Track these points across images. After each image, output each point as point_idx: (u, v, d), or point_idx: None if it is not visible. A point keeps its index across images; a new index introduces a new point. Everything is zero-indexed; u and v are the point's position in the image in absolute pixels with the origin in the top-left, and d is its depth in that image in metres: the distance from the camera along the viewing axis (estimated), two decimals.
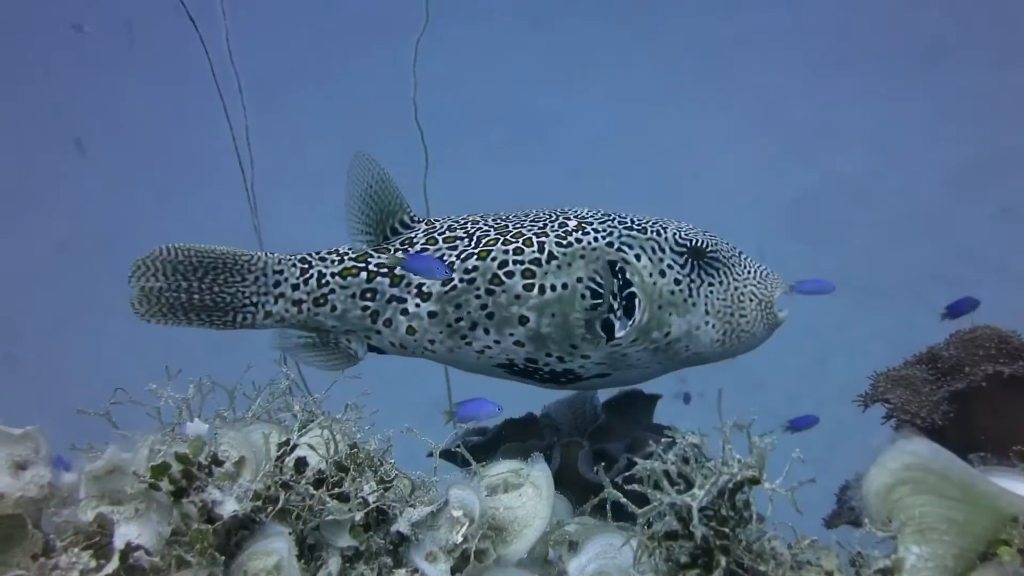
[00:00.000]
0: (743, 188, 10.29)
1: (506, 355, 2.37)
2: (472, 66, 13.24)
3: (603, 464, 1.81)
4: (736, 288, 2.41)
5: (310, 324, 2.47)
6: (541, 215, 2.47)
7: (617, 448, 2.47)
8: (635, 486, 1.47)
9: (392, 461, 1.76)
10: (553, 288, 2.30)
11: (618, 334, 2.30)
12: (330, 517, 1.59)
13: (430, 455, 1.95)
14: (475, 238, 2.40)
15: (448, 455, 2.11)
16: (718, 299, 2.38)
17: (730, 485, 1.36)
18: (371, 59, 13.54)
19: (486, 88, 12.98)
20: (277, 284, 2.45)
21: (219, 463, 1.56)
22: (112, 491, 1.55)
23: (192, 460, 1.52)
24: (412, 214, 2.55)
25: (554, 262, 2.32)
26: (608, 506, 1.60)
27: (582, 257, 2.32)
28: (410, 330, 2.39)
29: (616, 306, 2.31)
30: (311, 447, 1.71)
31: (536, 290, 2.30)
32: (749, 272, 2.44)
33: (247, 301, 2.44)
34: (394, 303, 2.39)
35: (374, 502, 1.62)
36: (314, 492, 1.60)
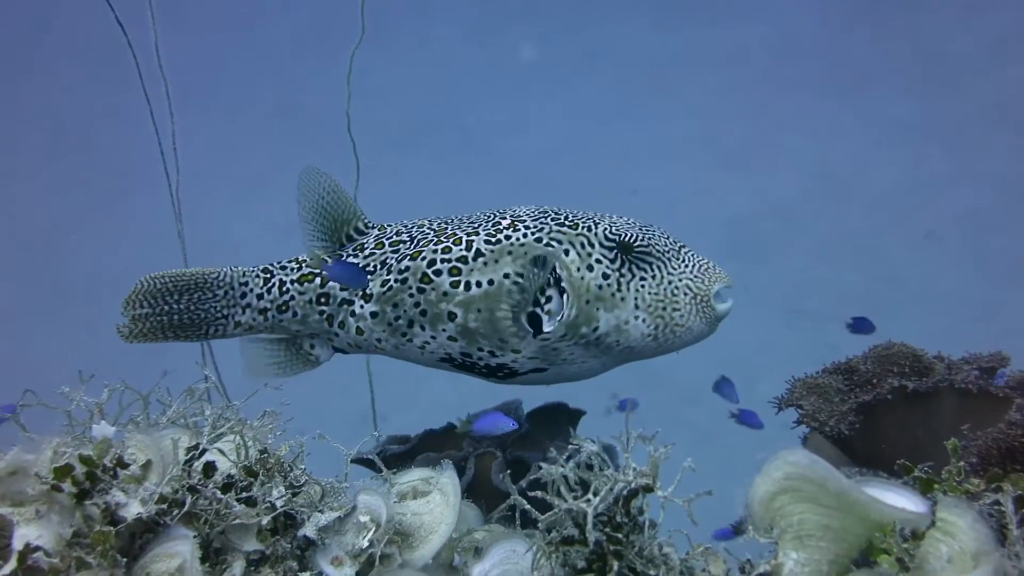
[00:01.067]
0: (681, 205, 10.45)
1: (444, 350, 2.45)
2: (413, 77, 13.25)
3: (509, 472, 1.85)
4: (670, 282, 2.42)
5: (276, 330, 2.61)
6: (481, 216, 2.55)
7: (533, 457, 2.51)
8: (539, 492, 1.51)
9: (303, 467, 1.77)
10: (479, 284, 2.37)
11: (545, 329, 2.35)
12: (237, 521, 1.60)
13: (356, 461, 1.97)
14: (415, 240, 2.49)
15: (368, 463, 2.13)
16: (649, 294, 2.39)
17: (625, 492, 1.41)
18: (308, 68, 13.50)
19: (426, 99, 13.00)
20: (244, 296, 2.59)
21: (124, 465, 1.56)
22: (13, 492, 1.54)
23: (96, 462, 1.52)
24: (366, 221, 2.63)
25: (481, 259, 2.38)
26: (517, 513, 1.64)
27: (510, 253, 2.37)
28: (359, 331, 2.50)
29: (543, 301, 2.36)
30: (222, 452, 1.72)
31: (462, 287, 2.37)
32: (687, 266, 2.46)
33: (219, 315, 2.59)
34: (345, 306, 2.51)
35: (282, 507, 1.63)
36: (221, 496, 1.61)
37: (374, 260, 2.50)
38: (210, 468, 1.64)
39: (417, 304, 2.42)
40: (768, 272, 9.27)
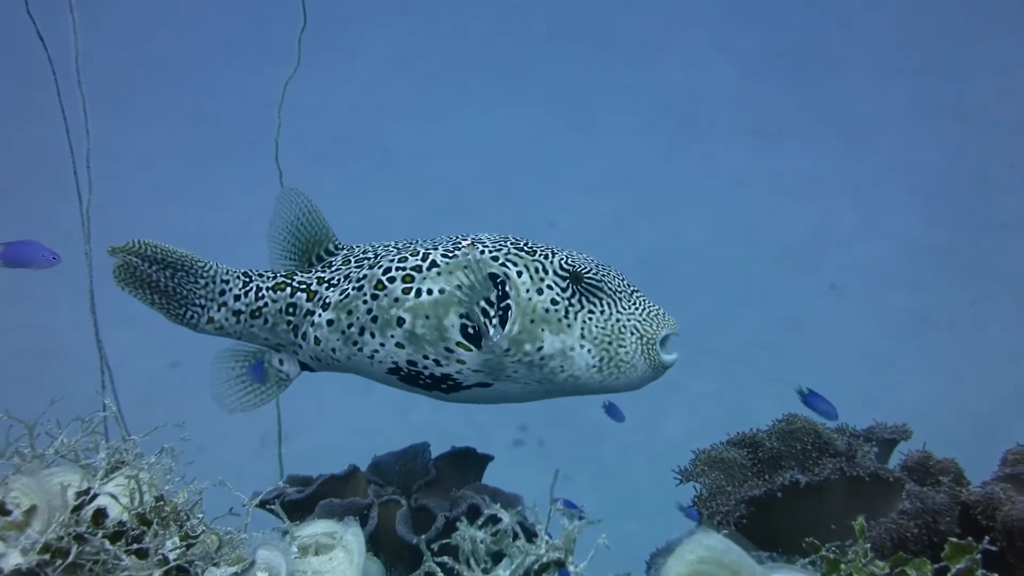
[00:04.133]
0: (595, 241, 10.55)
1: (391, 358, 2.51)
2: (337, 95, 13.13)
3: (411, 522, 1.80)
4: (618, 320, 2.50)
5: (245, 336, 2.69)
6: (446, 238, 2.66)
7: (439, 504, 2.47)
8: (447, 559, 1.48)
9: (201, 515, 1.70)
10: (430, 292, 2.46)
11: (490, 339, 2.42)
12: (126, 574, 1.52)
13: (245, 505, 1.90)
14: (379, 256, 2.60)
15: (266, 505, 2.06)
16: (596, 326, 2.48)
17: (535, 567, 1.38)
18: (224, 78, 13.26)
19: (349, 118, 12.89)
20: (222, 293, 2.66)
21: (6, 512, 1.46)
22: None
23: None
24: (337, 242, 2.73)
25: (434, 269, 2.48)
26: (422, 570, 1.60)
27: (465, 267, 2.47)
28: (316, 340, 2.58)
29: (491, 314, 2.44)
30: (114, 497, 1.64)
31: (413, 293, 2.46)
32: (636, 308, 2.54)
33: (196, 303, 2.66)
34: (308, 316, 2.60)
35: (175, 559, 1.56)
36: (110, 547, 1.52)
37: (339, 274, 2.60)
38: (100, 515, 1.55)
39: (369, 311, 2.50)
40: (677, 312, 9.38)
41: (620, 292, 2.54)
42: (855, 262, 10.25)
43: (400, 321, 2.46)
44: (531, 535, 1.53)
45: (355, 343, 2.52)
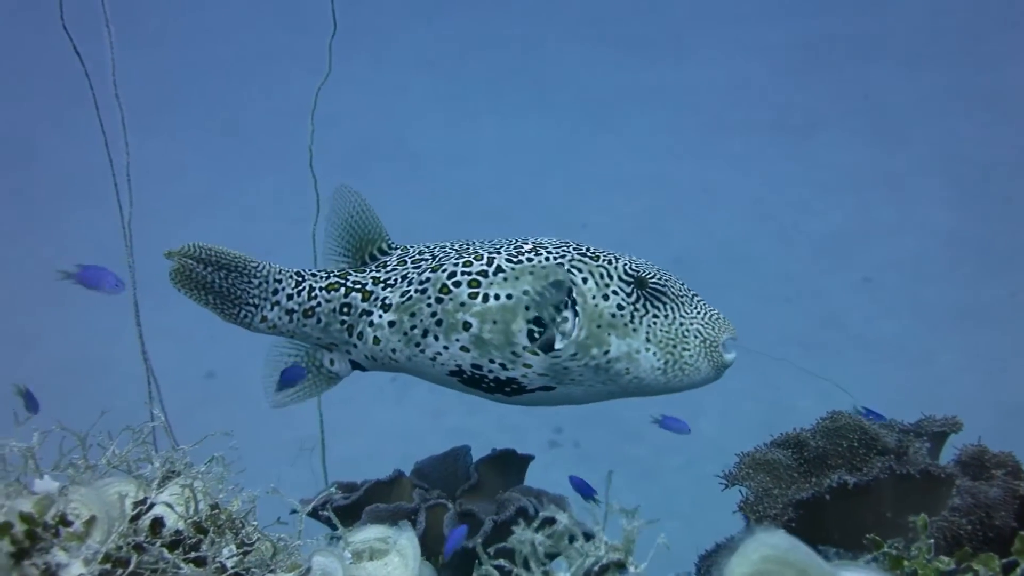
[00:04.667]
0: (628, 241, 10.47)
1: (455, 361, 2.54)
2: (363, 102, 13.18)
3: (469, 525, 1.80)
4: (681, 324, 2.56)
5: (298, 335, 2.72)
6: (504, 240, 2.69)
7: (484, 509, 2.46)
8: (503, 561, 1.47)
9: (255, 523, 1.70)
10: (497, 297, 2.49)
11: (557, 346, 2.47)
12: None
13: (294, 512, 1.91)
14: (437, 258, 2.63)
15: (313, 513, 2.06)
16: (660, 330, 2.53)
17: (595, 568, 1.37)
18: (253, 89, 13.36)
19: (376, 124, 12.93)
20: (275, 292, 2.70)
21: (67, 523, 1.47)
22: None
23: (37, 520, 1.44)
24: (391, 242, 2.76)
25: (501, 275, 2.51)
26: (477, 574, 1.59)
27: (531, 273, 2.50)
28: (376, 340, 2.61)
29: (558, 320, 2.47)
30: (169, 506, 1.65)
31: (480, 298, 2.49)
32: (698, 312, 2.61)
33: (250, 302, 2.70)
34: (364, 316, 2.62)
35: (232, 567, 1.56)
36: (168, 556, 1.53)
37: (395, 275, 2.63)
38: (157, 524, 1.56)
39: (434, 314, 2.52)
40: None
41: (682, 296, 2.60)
42: (892, 256, 10.12)
43: (467, 325, 2.50)
44: (588, 536, 1.51)
45: (417, 345, 2.55)
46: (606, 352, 2.49)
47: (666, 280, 2.59)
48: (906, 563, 1.43)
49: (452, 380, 2.62)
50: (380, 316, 2.59)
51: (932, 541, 1.42)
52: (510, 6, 14.92)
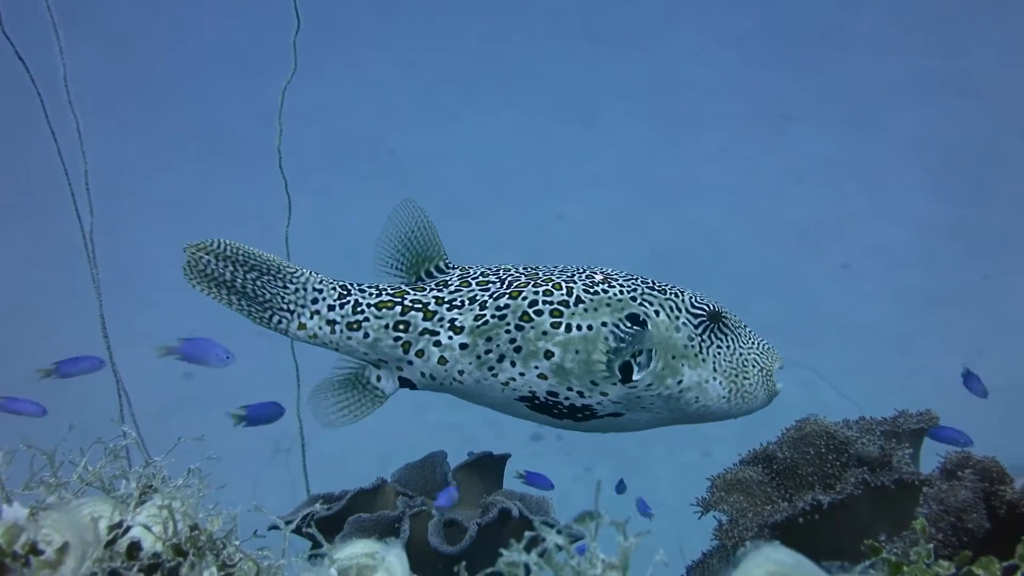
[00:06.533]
0: (606, 234, 10.52)
1: (529, 387, 2.57)
2: (340, 100, 13.09)
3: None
4: (741, 354, 2.65)
5: (342, 347, 2.68)
6: (569, 268, 2.72)
7: (466, 515, 2.43)
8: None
9: (237, 543, 1.65)
10: (579, 327, 2.53)
11: (635, 377, 2.52)
12: None
13: (273, 528, 1.86)
14: (506, 282, 2.63)
15: (296, 529, 2.01)
16: (725, 360, 2.61)
17: None
18: (226, 90, 13.21)
19: (353, 123, 12.84)
20: (315, 301, 2.67)
21: (38, 552, 1.41)
22: None
23: (6, 551, 1.38)
24: (447, 261, 2.76)
25: (581, 305, 2.55)
26: None
27: (608, 305, 2.55)
28: (441, 360, 2.59)
29: (636, 352, 2.52)
30: (147, 528, 1.59)
31: (563, 328, 2.53)
32: (752, 342, 2.70)
33: (285, 307, 2.67)
34: (427, 335, 2.60)
35: None
36: None
37: (461, 296, 2.61)
38: (135, 548, 1.51)
39: (513, 340, 2.54)
40: None
41: (738, 328, 2.68)
42: (869, 243, 10.18)
43: (548, 354, 2.52)
44: (574, 537, 1.48)
45: (491, 369, 2.57)
46: (679, 382, 2.56)
47: (727, 313, 2.67)
48: (906, 569, 1.40)
49: (519, 405, 2.63)
50: (450, 337, 2.58)
51: (932, 545, 1.39)
52: (484, 2, 14.86)
